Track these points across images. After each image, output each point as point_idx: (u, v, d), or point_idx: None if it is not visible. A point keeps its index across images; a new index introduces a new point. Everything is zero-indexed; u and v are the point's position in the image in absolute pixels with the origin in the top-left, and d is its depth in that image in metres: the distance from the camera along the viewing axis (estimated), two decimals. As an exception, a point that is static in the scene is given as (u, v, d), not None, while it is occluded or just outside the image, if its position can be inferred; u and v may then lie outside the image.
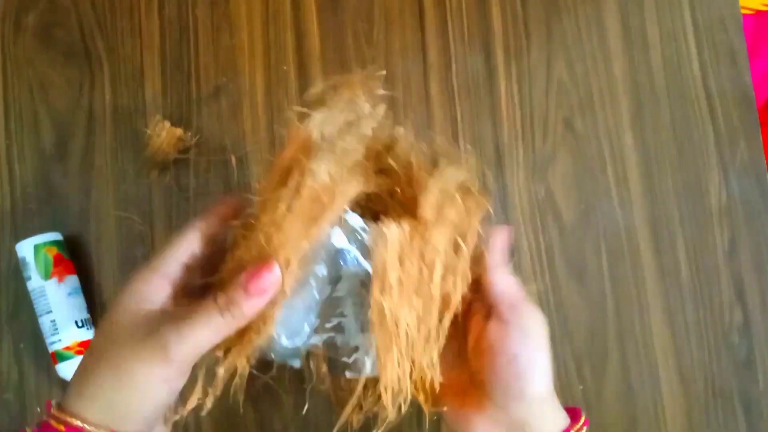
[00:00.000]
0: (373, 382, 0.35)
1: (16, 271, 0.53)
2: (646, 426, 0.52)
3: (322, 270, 0.35)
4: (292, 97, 0.56)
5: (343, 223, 0.34)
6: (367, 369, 0.35)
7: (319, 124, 0.34)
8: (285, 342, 0.35)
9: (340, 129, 0.35)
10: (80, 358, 0.50)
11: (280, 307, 0.32)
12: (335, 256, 0.35)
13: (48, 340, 0.51)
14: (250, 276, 0.31)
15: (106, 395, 0.30)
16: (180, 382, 0.32)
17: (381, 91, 0.37)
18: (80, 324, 0.51)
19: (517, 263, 0.54)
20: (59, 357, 0.50)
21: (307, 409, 0.52)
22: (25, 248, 0.51)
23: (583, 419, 0.35)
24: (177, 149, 0.54)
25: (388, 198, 0.37)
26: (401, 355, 0.33)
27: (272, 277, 0.31)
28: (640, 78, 0.56)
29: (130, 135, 0.56)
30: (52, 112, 0.57)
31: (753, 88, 0.56)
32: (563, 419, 0.35)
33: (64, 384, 0.52)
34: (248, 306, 0.31)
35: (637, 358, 0.53)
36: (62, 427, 0.30)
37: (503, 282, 0.35)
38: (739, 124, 0.56)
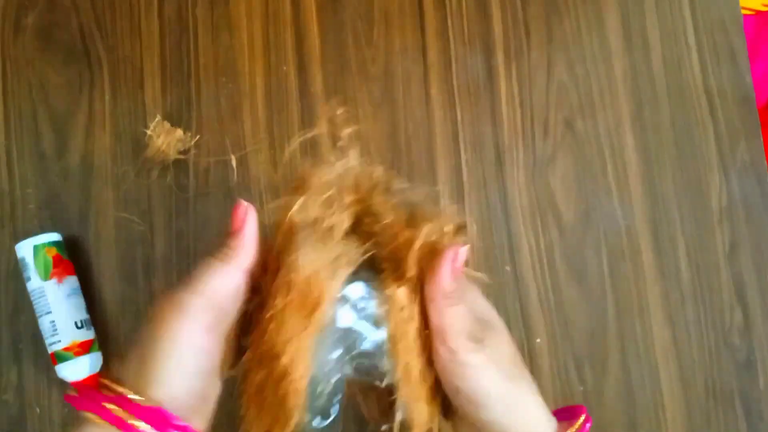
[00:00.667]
0: None
1: (16, 271, 0.53)
2: (647, 427, 0.52)
3: (335, 352, 0.36)
4: (292, 97, 0.56)
5: (343, 299, 0.35)
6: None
7: (299, 210, 0.35)
8: (316, 423, 0.36)
9: (322, 205, 0.35)
10: (80, 359, 0.50)
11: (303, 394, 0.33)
12: (346, 334, 0.36)
13: (47, 341, 0.51)
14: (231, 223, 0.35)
15: (133, 363, 0.31)
16: (207, 342, 0.32)
17: (347, 130, 0.37)
18: (80, 325, 0.51)
19: (517, 263, 0.54)
20: (58, 358, 0.50)
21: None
22: (25, 249, 0.51)
23: (582, 417, 0.35)
24: (177, 150, 0.54)
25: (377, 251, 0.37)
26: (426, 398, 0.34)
27: (243, 207, 0.35)
28: (640, 78, 0.56)
29: (130, 136, 0.56)
30: (52, 113, 0.57)
31: (753, 89, 0.56)
32: (546, 422, 0.34)
33: (63, 384, 0.52)
34: (236, 240, 0.34)
35: (638, 358, 0.53)
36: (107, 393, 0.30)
37: (440, 319, 0.34)
38: (740, 125, 0.56)
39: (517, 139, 0.56)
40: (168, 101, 0.56)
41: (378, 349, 0.35)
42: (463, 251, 0.34)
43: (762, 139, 0.56)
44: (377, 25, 0.57)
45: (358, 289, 0.35)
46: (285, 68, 0.57)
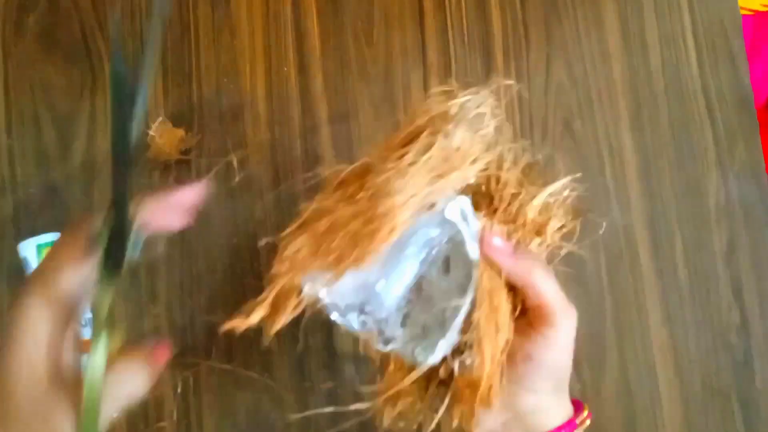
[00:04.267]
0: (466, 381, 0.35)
1: (18, 271, 0.53)
2: (645, 426, 0.52)
3: (430, 232, 0.35)
4: (292, 97, 0.57)
5: (452, 205, 0.34)
6: (437, 356, 0.35)
7: (461, 103, 0.34)
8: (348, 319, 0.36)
9: (476, 116, 0.35)
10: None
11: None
12: (442, 228, 0.35)
13: (50, 340, 0.51)
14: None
15: None
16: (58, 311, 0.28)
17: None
18: (82, 324, 0.51)
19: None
20: (61, 357, 0.50)
21: (308, 409, 0.52)
22: (28, 248, 0.52)
23: (586, 412, 0.36)
24: (178, 150, 0.54)
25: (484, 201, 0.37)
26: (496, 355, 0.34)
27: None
28: (639, 79, 0.57)
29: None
30: (54, 113, 0.57)
31: (752, 90, 0.57)
32: (568, 410, 0.36)
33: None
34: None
35: (636, 358, 0.53)
36: None
37: (542, 289, 0.34)
38: (738, 126, 0.56)
39: (516, 139, 0.56)
40: (169, 101, 0.57)
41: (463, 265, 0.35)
42: (489, 230, 0.34)
43: (760, 140, 0.56)
44: (377, 25, 0.58)
45: (467, 204, 0.34)
46: (286, 69, 0.57)
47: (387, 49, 0.57)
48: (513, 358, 0.34)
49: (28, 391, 0.27)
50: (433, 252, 0.37)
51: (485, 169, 0.35)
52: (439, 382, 0.37)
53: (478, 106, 0.34)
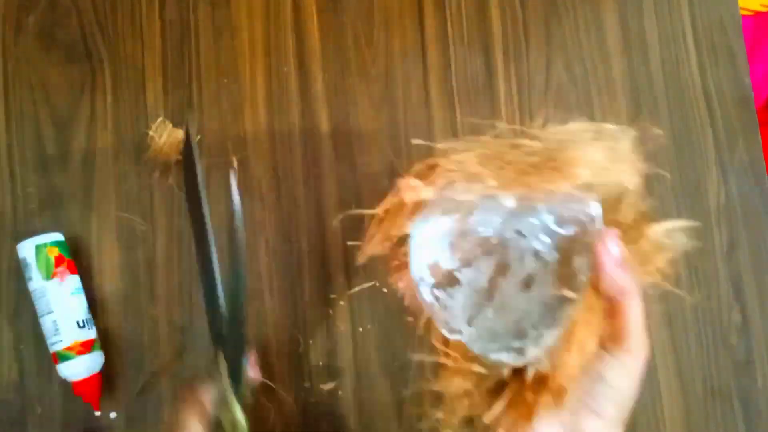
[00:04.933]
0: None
1: (17, 271, 0.53)
2: (645, 426, 0.52)
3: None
4: (292, 97, 0.57)
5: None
6: (529, 356, 0.34)
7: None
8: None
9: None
10: (81, 358, 0.50)
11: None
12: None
13: (49, 341, 0.51)
14: None
15: None
16: None
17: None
18: (81, 324, 0.51)
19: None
20: (60, 357, 0.50)
21: (308, 408, 0.52)
22: (27, 248, 0.51)
23: None
24: (178, 150, 0.54)
25: None
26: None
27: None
28: (639, 79, 0.57)
29: (132, 136, 0.56)
30: (53, 113, 0.57)
31: (752, 89, 0.57)
32: None
33: (65, 384, 0.52)
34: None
35: (637, 358, 0.53)
36: None
37: (632, 313, 0.33)
38: (738, 125, 0.56)
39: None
40: (169, 102, 0.57)
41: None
42: (613, 236, 0.34)
43: (760, 139, 0.56)
44: (377, 26, 0.58)
45: (599, 210, 0.34)
46: (286, 69, 0.57)
47: (387, 49, 0.57)
48: (583, 377, 0.33)
49: None
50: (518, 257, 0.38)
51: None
52: (496, 384, 0.36)
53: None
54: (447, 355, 0.37)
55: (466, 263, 0.39)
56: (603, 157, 0.34)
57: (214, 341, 0.42)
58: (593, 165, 0.33)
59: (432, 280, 0.38)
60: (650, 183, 0.38)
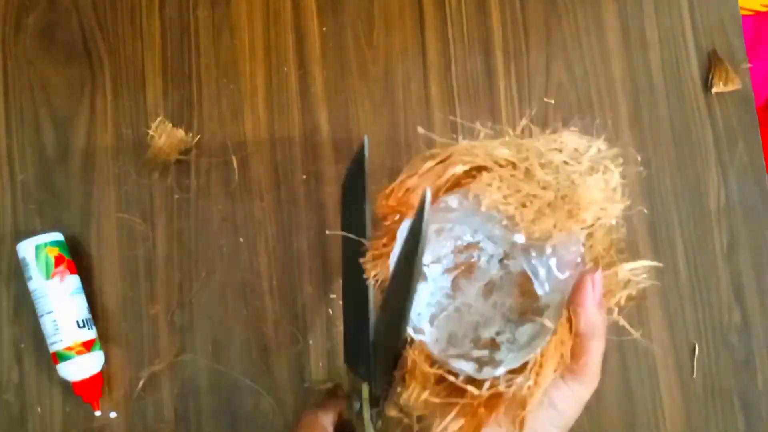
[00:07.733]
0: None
1: (17, 271, 0.53)
2: (645, 426, 0.52)
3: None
4: (292, 97, 0.57)
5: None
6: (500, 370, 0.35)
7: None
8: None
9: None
10: (81, 358, 0.50)
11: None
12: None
13: (49, 341, 0.51)
14: None
15: None
16: None
17: None
18: (81, 324, 0.51)
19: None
20: (60, 357, 0.50)
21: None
22: (26, 248, 0.51)
23: None
24: (178, 150, 0.54)
25: None
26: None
27: None
28: (638, 79, 0.57)
29: (132, 136, 0.56)
30: (53, 113, 0.57)
31: (752, 89, 0.57)
32: None
33: (65, 384, 0.52)
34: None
35: (636, 358, 0.53)
36: None
37: (595, 349, 0.34)
38: (738, 125, 0.56)
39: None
40: (169, 102, 0.57)
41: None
42: (599, 278, 0.35)
43: (760, 139, 0.56)
44: (377, 26, 0.58)
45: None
46: (285, 69, 0.57)
47: (387, 49, 0.57)
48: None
49: None
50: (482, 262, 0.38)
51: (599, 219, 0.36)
52: (453, 389, 0.36)
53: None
54: (413, 356, 0.37)
55: (436, 260, 0.40)
56: (602, 198, 0.35)
57: (359, 372, 0.43)
58: (595, 207, 0.34)
59: None
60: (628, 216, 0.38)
